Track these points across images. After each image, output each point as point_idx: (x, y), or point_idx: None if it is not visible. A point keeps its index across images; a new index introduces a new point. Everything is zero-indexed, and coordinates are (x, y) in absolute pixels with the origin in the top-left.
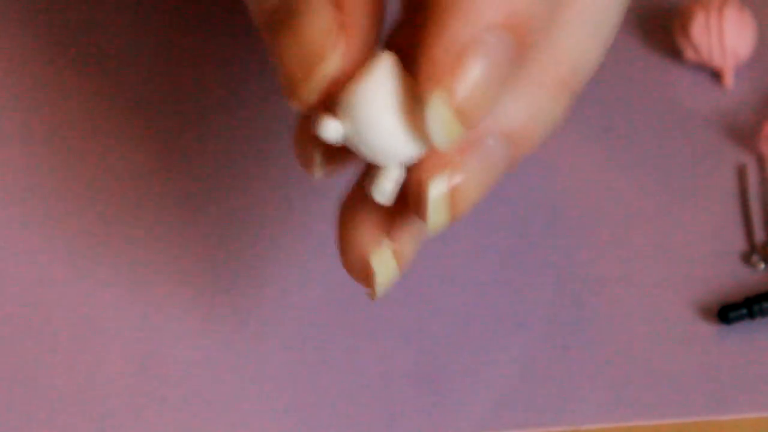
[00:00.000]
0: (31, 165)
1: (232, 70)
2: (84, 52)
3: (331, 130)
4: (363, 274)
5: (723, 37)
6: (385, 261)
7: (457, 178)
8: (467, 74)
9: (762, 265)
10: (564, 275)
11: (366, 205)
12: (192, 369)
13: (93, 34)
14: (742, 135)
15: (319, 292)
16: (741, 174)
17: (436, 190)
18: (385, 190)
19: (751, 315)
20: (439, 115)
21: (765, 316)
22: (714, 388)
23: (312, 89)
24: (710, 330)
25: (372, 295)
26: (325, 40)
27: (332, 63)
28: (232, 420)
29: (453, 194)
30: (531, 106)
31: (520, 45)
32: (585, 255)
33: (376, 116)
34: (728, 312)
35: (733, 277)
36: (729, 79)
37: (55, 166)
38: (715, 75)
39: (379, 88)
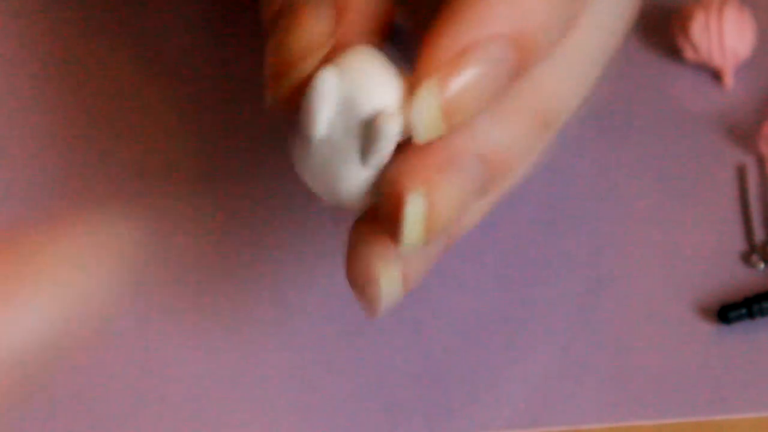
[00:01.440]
0: (27, 159)
1: (233, 69)
2: (83, 52)
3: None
4: (367, 292)
5: (723, 37)
6: (392, 281)
7: (435, 196)
8: (464, 73)
9: (762, 265)
10: (564, 275)
11: (380, 222)
12: (192, 369)
13: (93, 33)
14: (742, 135)
15: (320, 292)
16: (741, 174)
17: (414, 207)
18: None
19: (751, 315)
20: (426, 104)
21: (765, 316)
22: (714, 388)
23: (285, 85)
24: (710, 330)
25: (372, 316)
26: (313, 42)
27: (309, 66)
28: (233, 420)
29: (429, 212)
30: (511, 134)
31: (520, 64)
32: (585, 255)
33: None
34: (728, 312)
35: (733, 277)
36: (729, 79)
37: (54, 164)
38: (715, 75)
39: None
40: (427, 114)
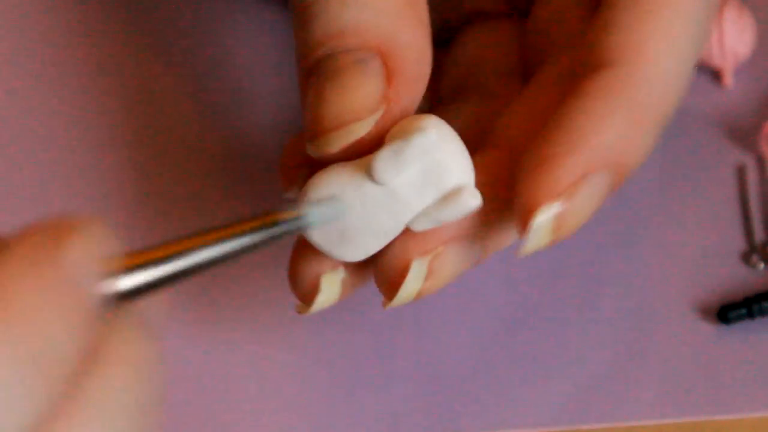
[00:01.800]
0: (26, 160)
1: (236, 68)
2: (84, 51)
3: None
4: (307, 289)
5: (723, 37)
6: (333, 284)
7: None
8: (576, 198)
9: (762, 265)
10: (564, 275)
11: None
12: (192, 369)
13: (93, 33)
14: (742, 135)
15: None
16: (741, 174)
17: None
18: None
19: (751, 315)
20: (543, 226)
21: (765, 316)
22: (714, 388)
23: (336, 142)
24: (710, 330)
25: (302, 310)
26: (369, 103)
27: (365, 127)
28: (233, 420)
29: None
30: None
31: (616, 187)
32: (585, 255)
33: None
34: (728, 312)
35: (733, 277)
36: (729, 79)
37: (52, 161)
38: (715, 75)
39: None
40: (542, 233)
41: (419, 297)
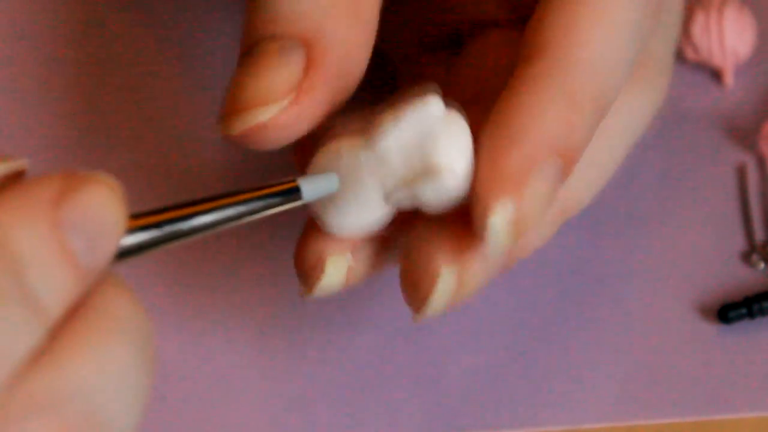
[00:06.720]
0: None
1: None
2: (84, 51)
3: None
4: (312, 270)
5: (723, 37)
6: (338, 268)
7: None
8: (528, 190)
9: (762, 265)
10: (564, 275)
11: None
12: (192, 369)
13: (93, 33)
14: (742, 135)
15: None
16: (741, 174)
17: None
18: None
19: (751, 314)
20: (500, 223)
21: (765, 316)
22: (714, 387)
23: (237, 124)
24: (710, 329)
25: (305, 293)
26: (277, 89)
27: (268, 112)
28: (232, 419)
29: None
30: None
31: (566, 175)
32: (585, 255)
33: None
34: (728, 311)
35: (733, 276)
36: (729, 79)
37: (51, 161)
38: (715, 75)
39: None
40: (498, 234)
41: (449, 308)
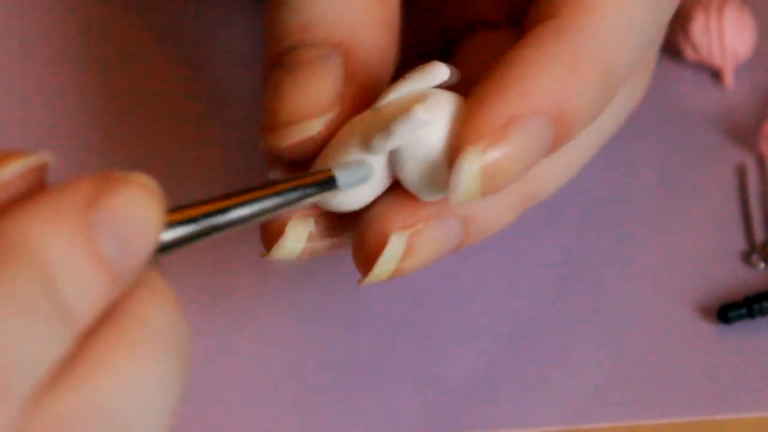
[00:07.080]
0: None
1: (233, 65)
2: (84, 51)
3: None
4: (272, 232)
5: (723, 37)
6: (299, 232)
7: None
8: (507, 142)
9: (762, 265)
10: (564, 275)
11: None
12: (191, 368)
13: (94, 33)
14: (742, 135)
15: (320, 292)
16: (741, 174)
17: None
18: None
19: (751, 314)
20: (467, 168)
21: (765, 316)
22: (714, 387)
23: (285, 138)
24: (710, 329)
25: (264, 255)
26: (323, 102)
27: (316, 126)
28: (232, 419)
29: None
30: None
31: (556, 141)
32: (585, 255)
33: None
34: (728, 311)
35: (733, 276)
36: (729, 79)
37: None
38: (715, 75)
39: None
40: (467, 179)
41: (396, 275)
